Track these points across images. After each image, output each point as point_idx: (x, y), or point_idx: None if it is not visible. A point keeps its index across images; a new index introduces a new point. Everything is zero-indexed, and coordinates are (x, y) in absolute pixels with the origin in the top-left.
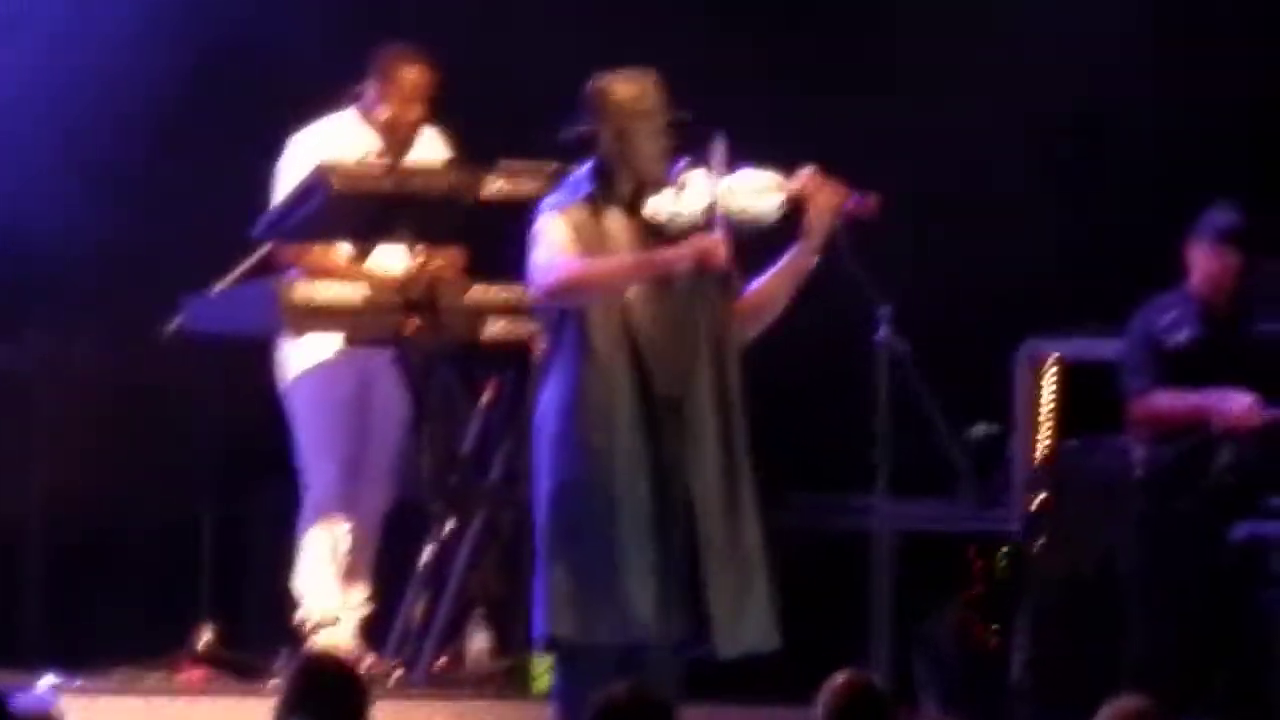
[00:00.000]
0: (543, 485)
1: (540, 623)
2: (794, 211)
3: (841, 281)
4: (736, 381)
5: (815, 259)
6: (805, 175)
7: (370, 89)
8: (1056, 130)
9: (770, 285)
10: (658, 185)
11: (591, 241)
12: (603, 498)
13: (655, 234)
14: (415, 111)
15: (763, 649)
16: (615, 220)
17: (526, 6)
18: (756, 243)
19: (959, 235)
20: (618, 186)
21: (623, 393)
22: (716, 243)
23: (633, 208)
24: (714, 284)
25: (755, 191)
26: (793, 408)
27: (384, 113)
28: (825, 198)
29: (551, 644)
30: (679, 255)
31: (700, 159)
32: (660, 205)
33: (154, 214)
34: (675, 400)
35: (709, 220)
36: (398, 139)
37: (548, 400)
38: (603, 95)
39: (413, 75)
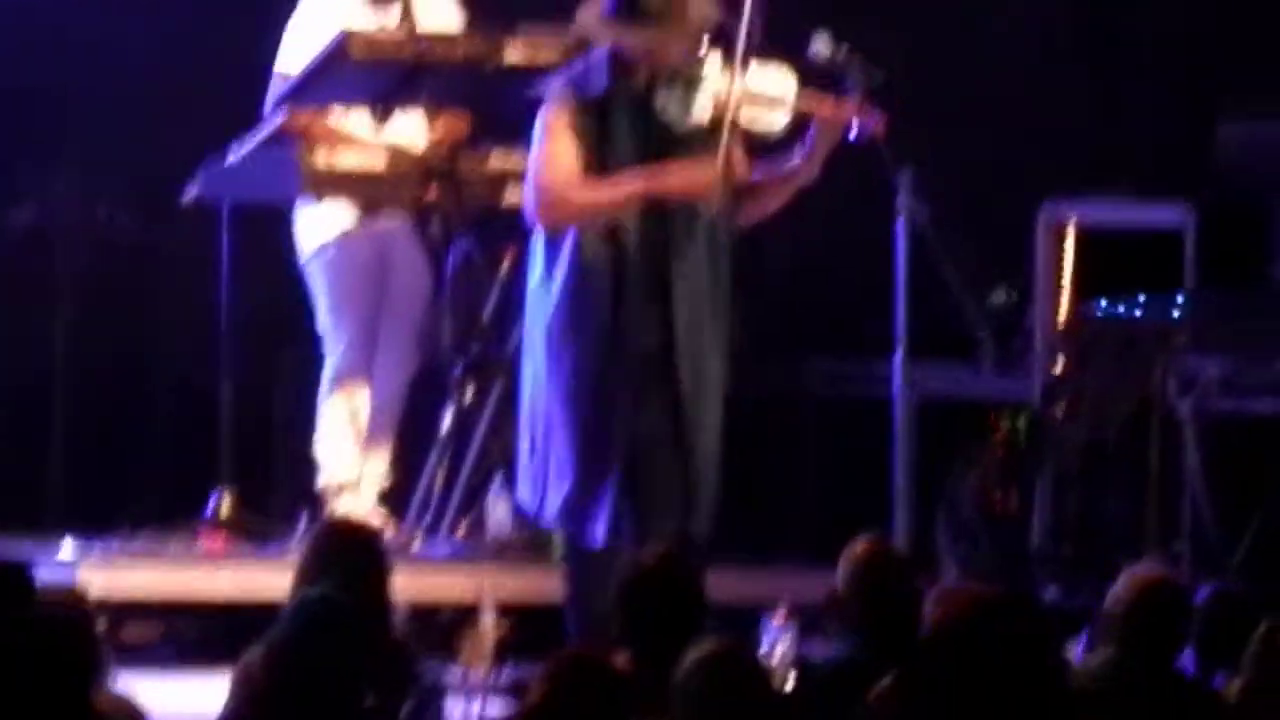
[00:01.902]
0: (536, 358)
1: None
2: (801, 121)
3: (861, 146)
4: (726, 252)
5: (813, 178)
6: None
7: None
8: None
9: (764, 186)
10: (672, 77)
11: (593, 142)
12: (591, 382)
13: (663, 129)
14: None
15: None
16: (623, 118)
17: None
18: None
19: (977, 100)
20: (633, 78)
21: (613, 266)
22: (712, 178)
23: (643, 102)
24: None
25: (766, 103)
26: (813, 273)
27: None
28: (832, 119)
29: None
30: (671, 184)
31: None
32: (670, 103)
33: (174, 78)
34: (666, 267)
35: (715, 124)
36: None
37: (545, 274)
38: None
39: None
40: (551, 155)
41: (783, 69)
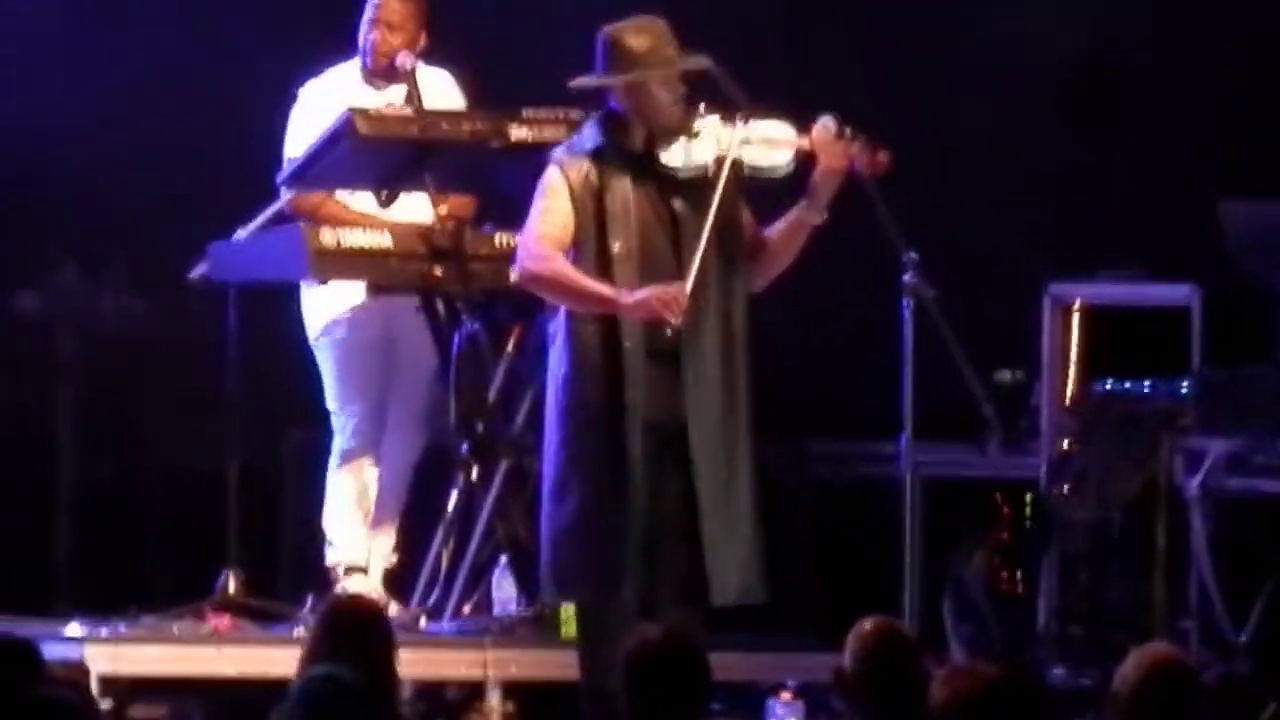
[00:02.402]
0: (547, 441)
1: (541, 580)
2: (806, 164)
3: (868, 226)
4: (743, 331)
5: (822, 218)
6: (818, 129)
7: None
8: (1081, 72)
9: (775, 240)
10: (671, 134)
11: (593, 199)
12: (599, 446)
13: (666, 183)
14: (387, 35)
15: (748, 600)
16: (623, 173)
17: None
18: (770, 195)
19: (984, 180)
20: (630, 136)
21: (624, 342)
22: (674, 300)
23: (644, 157)
24: (723, 225)
25: (767, 144)
26: (820, 354)
27: (362, 43)
28: (833, 157)
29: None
30: (635, 305)
31: (714, 105)
32: (672, 155)
33: (180, 161)
34: (675, 349)
35: (718, 171)
36: (375, 70)
37: (553, 354)
38: (615, 45)
39: (380, 2)
40: (546, 210)
41: (782, 119)
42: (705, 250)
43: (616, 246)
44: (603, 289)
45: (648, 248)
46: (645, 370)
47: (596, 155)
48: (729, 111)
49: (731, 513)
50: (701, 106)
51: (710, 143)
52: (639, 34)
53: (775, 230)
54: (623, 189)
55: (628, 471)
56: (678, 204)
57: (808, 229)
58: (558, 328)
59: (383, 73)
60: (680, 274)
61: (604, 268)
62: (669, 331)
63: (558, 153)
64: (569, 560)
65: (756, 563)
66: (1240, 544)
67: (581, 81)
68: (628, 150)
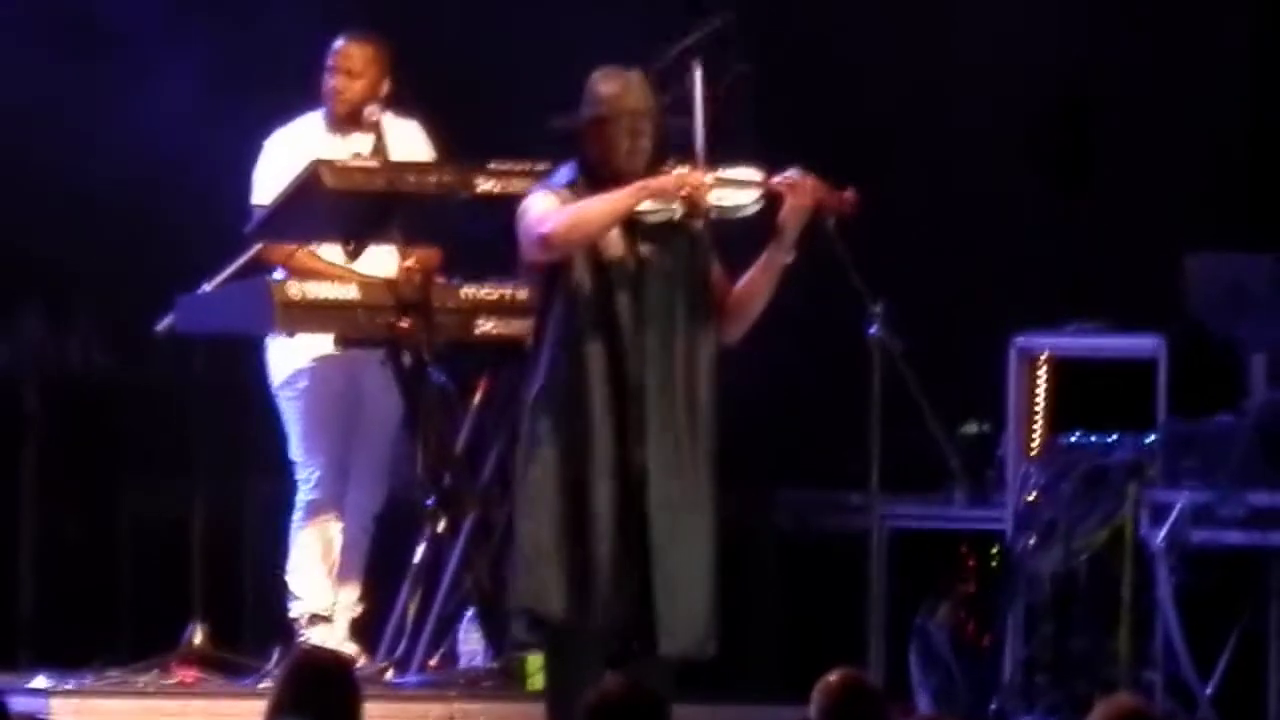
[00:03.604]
0: (516, 478)
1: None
2: (774, 208)
3: (834, 278)
4: (708, 378)
5: (790, 257)
6: (785, 174)
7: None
8: (1045, 123)
9: (748, 286)
10: (636, 180)
11: None
12: (562, 480)
13: (632, 228)
14: (348, 82)
15: (698, 656)
16: None
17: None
18: (740, 242)
19: (951, 232)
20: (598, 179)
21: (593, 379)
22: (701, 178)
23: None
24: (694, 275)
25: (733, 185)
26: (786, 404)
27: (324, 86)
28: (798, 195)
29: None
30: (664, 182)
31: (683, 159)
32: (641, 204)
33: (145, 212)
34: (643, 390)
35: (686, 214)
36: (335, 118)
37: (528, 388)
38: (587, 88)
39: (338, 49)
40: (540, 204)
41: (749, 166)
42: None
43: (609, 268)
44: (623, 191)
45: (612, 288)
46: (614, 411)
47: (571, 188)
48: (695, 163)
49: (686, 564)
50: (670, 161)
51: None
52: (610, 80)
53: (747, 277)
54: None
55: (593, 508)
56: (644, 249)
57: (778, 269)
58: (535, 362)
59: (346, 120)
60: (640, 317)
61: (599, 286)
62: (695, 225)
63: (535, 186)
64: (542, 581)
65: (711, 618)
66: (1206, 596)
67: (556, 121)
68: (598, 191)
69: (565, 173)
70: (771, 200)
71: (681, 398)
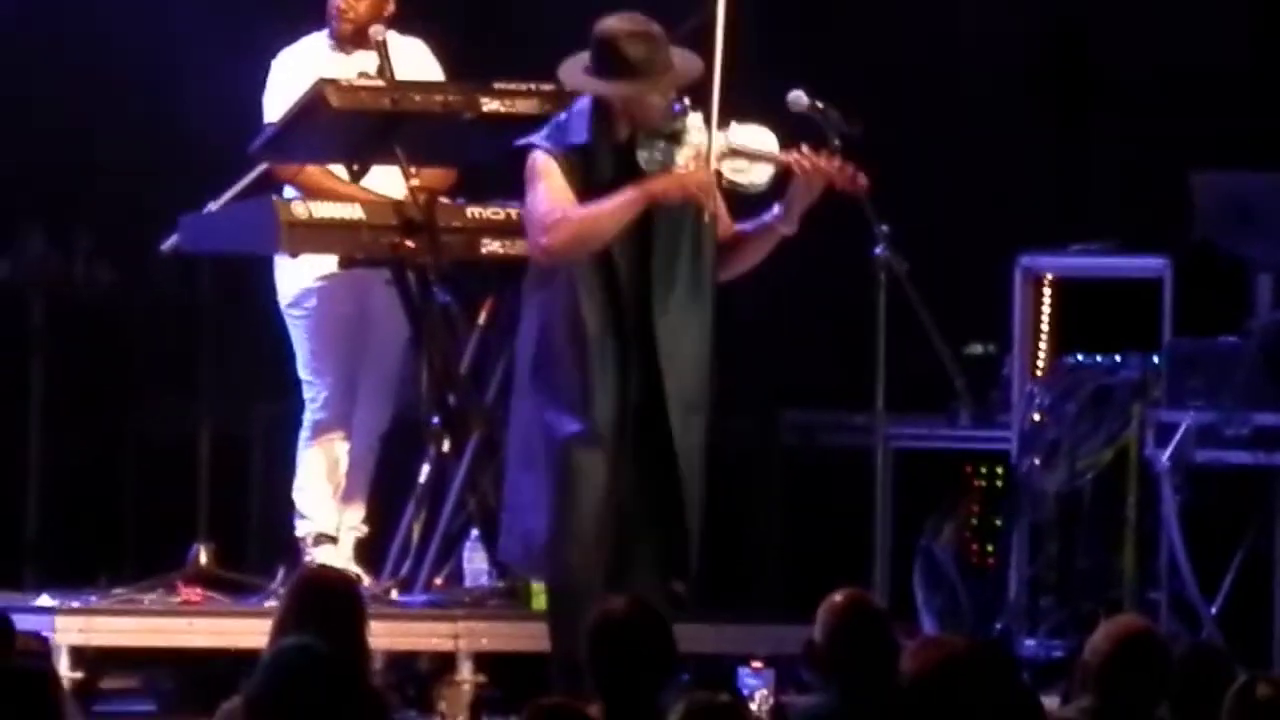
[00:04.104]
0: (514, 411)
1: (503, 547)
2: (782, 177)
3: (840, 200)
4: (708, 316)
5: (791, 230)
6: (798, 154)
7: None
8: (1049, 44)
9: (742, 244)
10: (653, 133)
11: (578, 189)
12: (563, 423)
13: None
14: (350, 2)
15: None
16: (605, 170)
17: None
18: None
19: (956, 154)
20: (615, 130)
21: (595, 317)
22: (708, 179)
23: (625, 153)
24: (697, 220)
25: (747, 158)
26: (790, 325)
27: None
28: (814, 174)
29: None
30: (669, 185)
31: (698, 103)
32: (653, 156)
33: (151, 130)
34: (643, 330)
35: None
36: (342, 35)
37: (526, 326)
38: (612, 52)
39: None
40: (547, 189)
41: (764, 127)
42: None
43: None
44: (625, 193)
45: (625, 246)
46: (614, 351)
47: (583, 152)
48: (710, 122)
49: (693, 494)
50: (687, 101)
51: (691, 148)
52: (635, 42)
53: (745, 234)
54: (606, 185)
55: (597, 449)
56: (661, 206)
57: (776, 238)
58: (528, 306)
59: (350, 39)
60: (649, 279)
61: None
62: (706, 217)
63: (541, 139)
64: (535, 534)
65: (692, 542)
66: (1210, 516)
67: (576, 84)
68: (613, 144)
69: (577, 127)
70: (784, 174)
71: (693, 329)
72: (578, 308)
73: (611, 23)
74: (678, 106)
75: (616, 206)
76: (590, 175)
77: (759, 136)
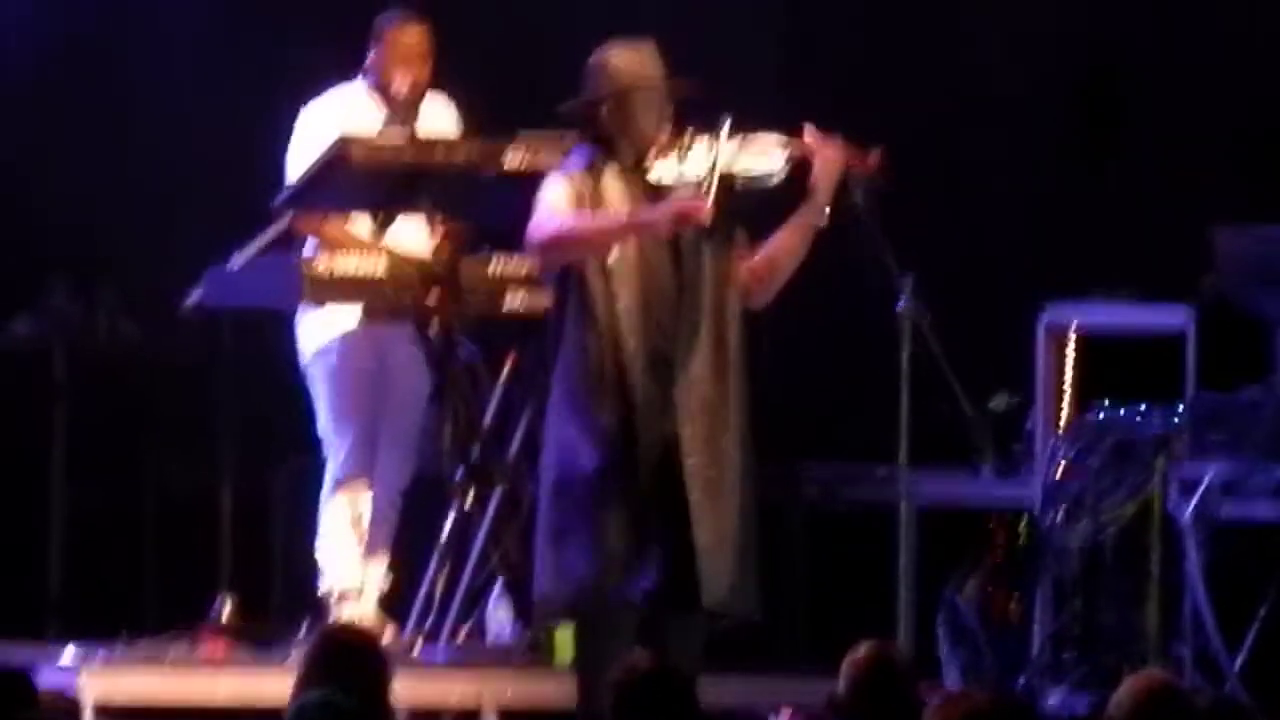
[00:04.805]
0: (545, 451)
1: (535, 586)
2: (800, 174)
3: (863, 250)
4: (737, 344)
5: (822, 220)
6: (807, 134)
7: (373, 57)
8: (1074, 95)
9: (777, 248)
10: (661, 150)
11: (593, 207)
12: (594, 462)
13: (657, 198)
14: (415, 73)
15: (740, 613)
16: (616, 186)
17: None
18: (767, 210)
19: (980, 205)
20: (619, 155)
21: (621, 356)
22: (699, 204)
23: (635, 172)
24: (716, 243)
25: (758, 152)
26: (814, 377)
27: (386, 79)
28: (828, 155)
29: (542, 610)
30: (660, 214)
31: (705, 127)
32: (664, 170)
33: (175, 186)
34: (671, 362)
35: (711, 183)
36: (403, 104)
37: (552, 367)
38: (601, 66)
39: (408, 37)
40: (551, 199)
41: (771, 132)
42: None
43: (612, 258)
44: (620, 217)
45: (645, 258)
46: (644, 380)
47: (589, 170)
48: (717, 132)
49: (720, 524)
50: (689, 130)
51: (701, 160)
52: (623, 55)
53: (777, 239)
54: (615, 202)
55: (629, 477)
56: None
57: (809, 232)
58: (561, 334)
59: (404, 103)
60: (681, 285)
61: (602, 276)
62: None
63: (554, 170)
64: (571, 560)
65: (749, 580)
66: (1234, 570)
67: (570, 104)
68: (618, 168)
69: (579, 156)
70: (797, 169)
71: (709, 369)
72: (616, 343)
73: (603, 47)
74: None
75: (603, 225)
76: (600, 192)
77: (767, 136)
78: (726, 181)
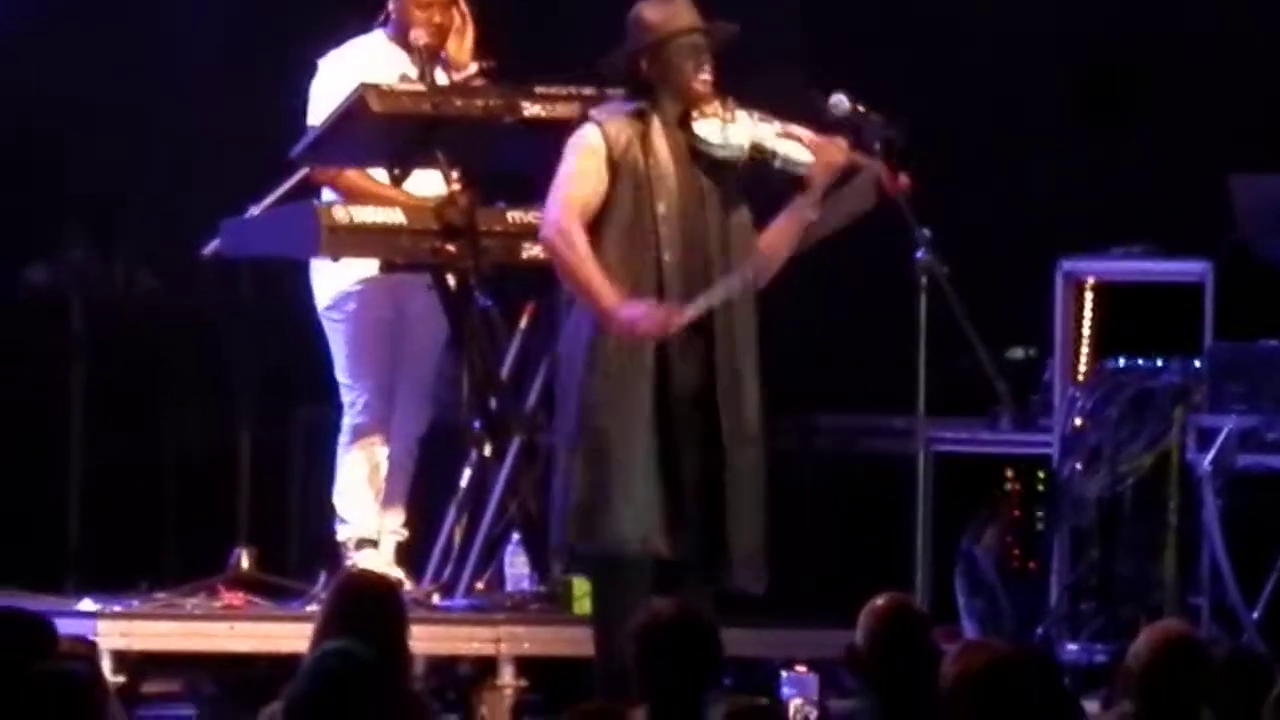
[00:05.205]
0: (564, 406)
1: (555, 533)
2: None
3: (881, 204)
4: (749, 316)
5: (814, 214)
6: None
7: (393, 4)
8: (1093, 50)
9: (769, 238)
10: (704, 107)
11: (638, 158)
12: (619, 419)
13: (700, 158)
14: (438, 19)
15: (752, 590)
16: (661, 139)
17: None
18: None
19: (997, 157)
20: (664, 108)
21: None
22: (662, 325)
23: (680, 131)
24: (734, 215)
25: (794, 142)
26: (832, 329)
27: (405, 26)
28: (831, 154)
29: (564, 552)
30: (622, 323)
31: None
32: (708, 133)
33: (192, 134)
34: (689, 333)
35: (751, 158)
36: (424, 52)
37: (572, 325)
38: (634, 22)
39: None
40: (579, 173)
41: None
42: (719, 290)
43: (661, 207)
44: (603, 294)
45: (687, 214)
46: (659, 360)
47: (639, 115)
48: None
49: (737, 499)
50: (730, 99)
51: (746, 130)
52: (655, 6)
53: (771, 229)
54: (663, 153)
55: (654, 434)
56: (708, 182)
57: (801, 224)
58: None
59: (427, 50)
60: (708, 249)
61: (649, 226)
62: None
63: (595, 111)
64: (593, 510)
65: (761, 554)
66: (1252, 521)
67: (609, 60)
68: (665, 117)
69: (626, 102)
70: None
71: (724, 336)
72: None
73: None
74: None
75: (588, 289)
76: (648, 141)
77: (797, 129)
78: (768, 156)
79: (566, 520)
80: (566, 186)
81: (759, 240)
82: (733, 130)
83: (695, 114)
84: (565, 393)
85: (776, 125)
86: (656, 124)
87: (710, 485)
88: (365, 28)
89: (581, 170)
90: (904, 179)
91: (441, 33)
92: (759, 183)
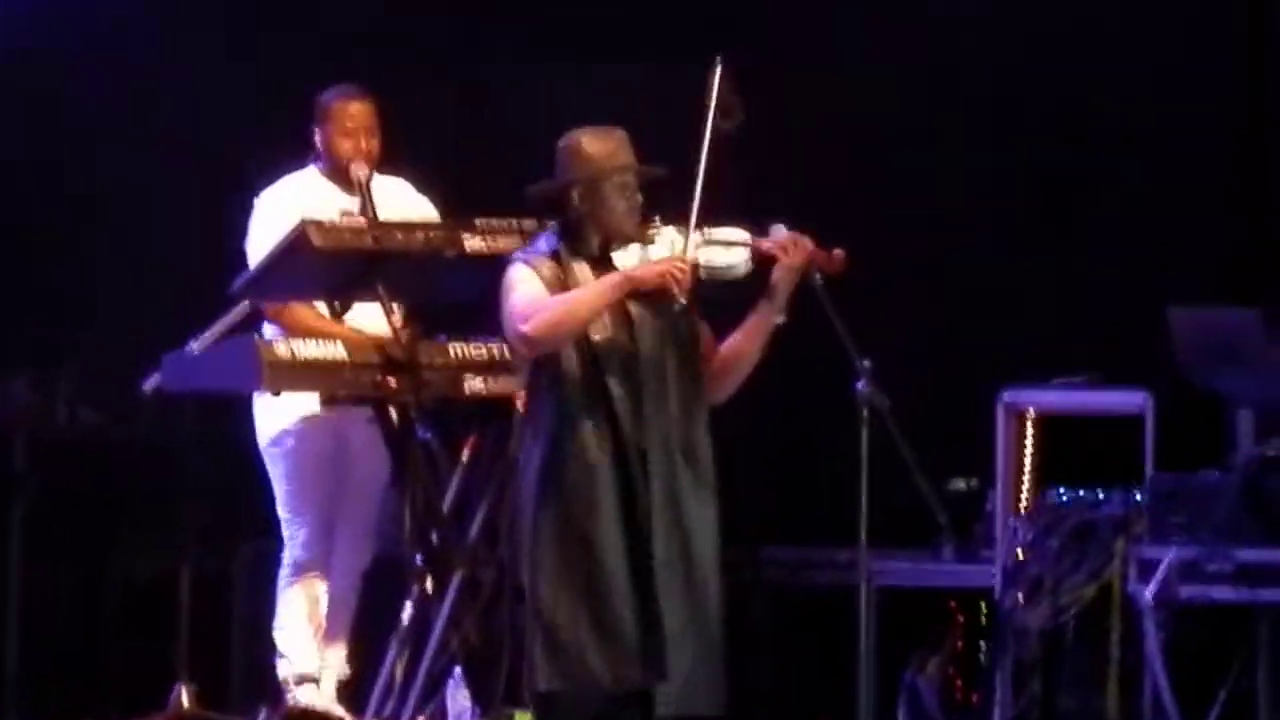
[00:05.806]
0: (523, 540)
1: (527, 676)
2: (765, 269)
3: (820, 334)
4: (704, 434)
5: (780, 317)
6: (773, 233)
7: (320, 137)
8: (1030, 181)
9: (737, 344)
10: (626, 240)
11: (558, 292)
12: (576, 550)
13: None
14: (364, 147)
15: (710, 713)
16: (582, 274)
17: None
18: (728, 306)
19: (938, 289)
20: (585, 241)
21: (596, 446)
22: (683, 264)
23: (600, 261)
24: (683, 335)
25: (723, 246)
26: (774, 461)
27: (336, 157)
28: (791, 255)
29: (537, 698)
30: (646, 271)
31: (671, 217)
32: (628, 259)
33: (132, 269)
34: (643, 451)
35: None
36: (359, 184)
37: (526, 458)
38: (571, 152)
39: (352, 110)
40: (523, 290)
41: (737, 225)
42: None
43: (597, 336)
44: (606, 279)
45: (618, 342)
46: (617, 480)
47: (555, 257)
48: (684, 223)
49: (698, 621)
50: (657, 219)
51: (666, 248)
52: (595, 140)
53: (736, 335)
54: (585, 283)
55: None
56: (634, 308)
57: (768, 329)
58: (537, 427)
59: (346, 178)
60: (639, 371)
61: (589, 356)
62: (675, 306)
63: (517, 254)
64: (571, 646)
65: (717, 679)
66: (1194, 652)
67: (539, 187)
68: (584, 254)
69: (545, 241)
70: (761, 263)
71: (681, 459)
72: (575, 437)
73: (574, 130)
74: (653, 220)
75: (594, 292)
76: (568, 279)
77: (732, 230)
78: (692, 271)
79: (536, 661)
80: (521, 299)
81: (724, 349)
82: (653, 253)
83: (615, 245)
84: (521, 525)
85: (705, 233)
86: (575, 262)
87: (653, 612)
88: (300, 164)
89: (526, 290)
90: (838, 253)
91: (371, 158)
92: (705, 290)
